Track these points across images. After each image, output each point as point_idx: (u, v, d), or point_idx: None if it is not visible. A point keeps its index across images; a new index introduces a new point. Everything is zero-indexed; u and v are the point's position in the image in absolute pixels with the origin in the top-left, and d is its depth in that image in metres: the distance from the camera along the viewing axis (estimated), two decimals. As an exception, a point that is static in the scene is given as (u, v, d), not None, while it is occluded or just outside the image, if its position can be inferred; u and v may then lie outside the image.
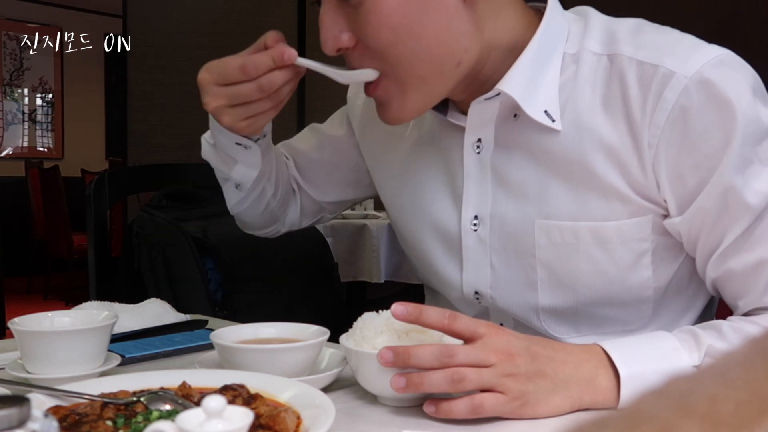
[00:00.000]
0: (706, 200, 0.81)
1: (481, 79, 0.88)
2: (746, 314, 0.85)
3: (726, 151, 0.78)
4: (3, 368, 0.85)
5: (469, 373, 0.70)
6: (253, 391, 0.67)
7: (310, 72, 0.88)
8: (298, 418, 0.63)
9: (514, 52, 0.86)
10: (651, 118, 0.80)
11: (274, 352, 0.79)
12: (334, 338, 0.82)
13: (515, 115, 0.88)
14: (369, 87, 0.86)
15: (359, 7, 0.80)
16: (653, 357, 0.76)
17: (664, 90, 0.79)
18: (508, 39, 0.86)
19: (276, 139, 1.08)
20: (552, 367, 0.73)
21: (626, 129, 0.82)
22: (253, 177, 1.03)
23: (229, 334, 0.84)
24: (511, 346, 0.72)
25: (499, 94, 0.86)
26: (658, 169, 0.82)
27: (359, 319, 0.80)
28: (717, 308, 1.02)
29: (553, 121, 0.85)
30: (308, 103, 4.26)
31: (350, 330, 0.80)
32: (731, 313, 0.89)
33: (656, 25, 0.87)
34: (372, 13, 0.80)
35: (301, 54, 0.85)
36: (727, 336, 0.79)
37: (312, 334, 0.84)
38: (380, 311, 0.80)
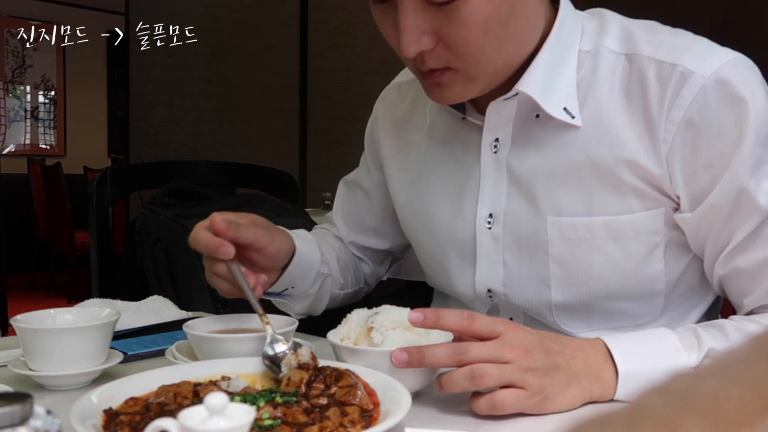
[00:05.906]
0: (717, 199, 0.82)
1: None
2: (750, 312, 0.86)
3: (738, 149, 0.80)
4: (5, 365, 0.85)
5: (490, 369, 0.70)
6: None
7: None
8: (374, 399, 0.68)
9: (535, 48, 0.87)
10: (668, 114, 0.82)
11: (242, 341, 0.82)
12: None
13: (537, 116, 0.89)
14: (431, 74, 0.84)
15: (449, 10, 0.77)
16: (652, 357, 0.76)
17: (682, 88, 0.81)
18: (543, 31, 0.87)
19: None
20: (566, 361, 0.74)
21: (643, 124, 0.83)
22: (309, 302, 1.08)
23: (200, 324, 0.88)
24: (526, 342, 0.73)
25: (517, 94, 0.86)
26: (671, 164, 0.83)
27: (348, 315, 0.82)
28: (722, 306, 1.02)
29: (573, 117, 0.86)
30: (309, 101, 4.24)
31: (338, 326, 0.82)
32: (735, 312, 0.89)
33: (670, 27, 0.89)
34: (465, 17, 0.77)
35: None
36: (730, 336, 0.79)
37: (280, 324, 0.86)
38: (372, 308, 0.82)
